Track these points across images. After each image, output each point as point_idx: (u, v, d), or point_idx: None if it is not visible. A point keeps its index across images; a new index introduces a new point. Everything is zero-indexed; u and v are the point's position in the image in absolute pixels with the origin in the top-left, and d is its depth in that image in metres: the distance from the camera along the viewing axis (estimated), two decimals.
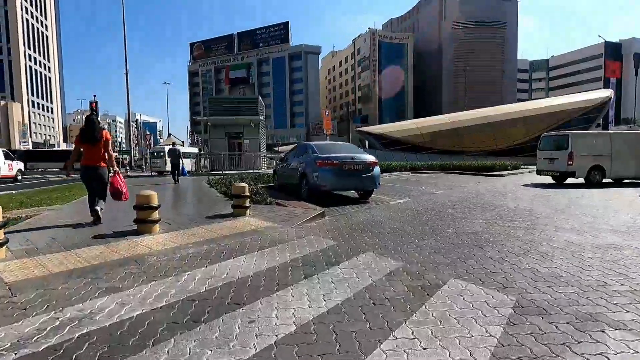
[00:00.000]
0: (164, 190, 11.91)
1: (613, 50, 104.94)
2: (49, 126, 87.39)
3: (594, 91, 38.69)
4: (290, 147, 16.32)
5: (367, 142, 35.92)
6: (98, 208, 5.33)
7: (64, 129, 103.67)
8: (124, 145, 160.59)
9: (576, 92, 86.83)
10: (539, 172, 13.72)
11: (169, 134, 39.12)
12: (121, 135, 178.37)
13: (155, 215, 4.82)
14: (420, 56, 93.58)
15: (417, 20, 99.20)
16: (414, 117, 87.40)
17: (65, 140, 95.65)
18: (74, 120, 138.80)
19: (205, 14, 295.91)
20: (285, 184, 9.65)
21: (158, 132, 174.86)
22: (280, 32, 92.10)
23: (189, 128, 78.83)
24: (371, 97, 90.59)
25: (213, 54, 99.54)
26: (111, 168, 5.53)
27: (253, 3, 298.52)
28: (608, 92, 33.24)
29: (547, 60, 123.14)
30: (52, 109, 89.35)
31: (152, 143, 34.28)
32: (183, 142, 35.23)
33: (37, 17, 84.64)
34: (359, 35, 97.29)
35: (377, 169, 7.84)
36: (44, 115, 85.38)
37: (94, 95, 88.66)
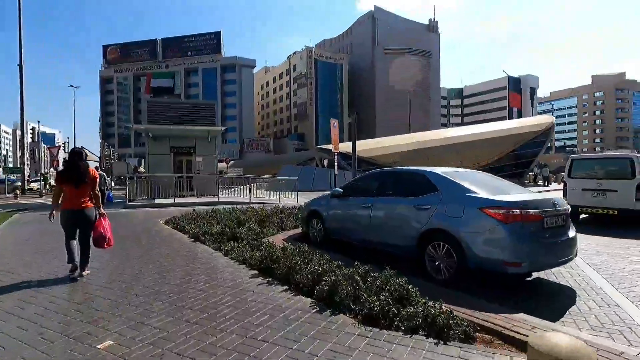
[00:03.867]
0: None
1: (514, 84, 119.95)
2: None
3: (537, 117, 41.05)
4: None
5: (326, 162, 32.50)
6: (85, 273, 4.53)
7: None
8: (10, 162, 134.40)
9: (487, 119, 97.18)
10: (576, 210, 9.00)
11: (81, 147, 30.82)
12: (6, 147, 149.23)
13: None
14: (354, 77, 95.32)
15: (351, 42, 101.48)
16: (349, 137, 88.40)
17: None
18: None
19: (121, 17, 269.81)
20: (358, 240, 5.39)
21: (58, 145, 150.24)
22: (212, 41, 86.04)
23: (101, 141, 67.19)
24: (307, 114, 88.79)
25: (132, 60, 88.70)
26: (97, 210, 4.71)
27: (180, 13, 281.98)
28: (551, 118, 34.98)
29: (461, 89, 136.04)
30: None
31: (59, 160, 26.09)
32: (100, 158, 27.64)
33: None
34: (295, 53, 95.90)
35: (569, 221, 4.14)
36: None
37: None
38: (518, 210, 3.64)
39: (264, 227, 7.51)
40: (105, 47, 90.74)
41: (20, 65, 22.24)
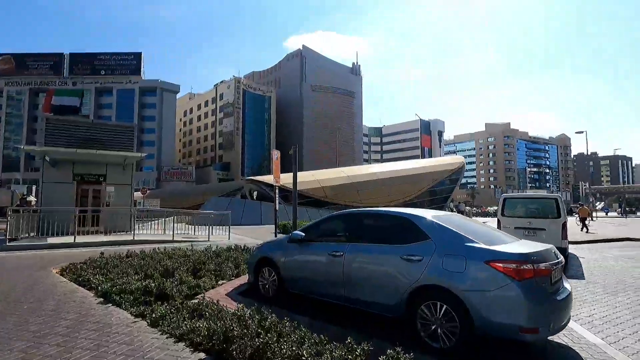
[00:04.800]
0: None
1: (425, 127, 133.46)
2: None
3: (449, 156, 45.25)
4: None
5: (255, 194, 31.10)
6: None
7: None
8: None
9: (403, 157, 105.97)
10: None
11: None
12: None
13: None
14: (282, 110, 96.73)
15: (279, 77, 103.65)
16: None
17: None
18: None
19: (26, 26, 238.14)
20: (326, 295, 4.46)
21: None
22: (131, 62, 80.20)
23: None
24: (234, 144, 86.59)
25: (30, 73, 77.87)
26: None
27: (100, 32, 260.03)
28: (462, 159, 38.84)
29: (380, 128, 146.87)
30: None
31: None
32: None
33: None
34: (222, 81, 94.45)
35: None
36: None
37: None
38: (530, 265, 3.16)
39: (199, 276, 6.14)
40: None
41: None
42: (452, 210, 38.22)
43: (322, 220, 5.14)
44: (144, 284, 5.25)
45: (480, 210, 51.25)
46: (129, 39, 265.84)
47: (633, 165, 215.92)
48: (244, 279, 6.26)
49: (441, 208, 34.44)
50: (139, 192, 24.70)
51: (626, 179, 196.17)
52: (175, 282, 5.41)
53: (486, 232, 3.98)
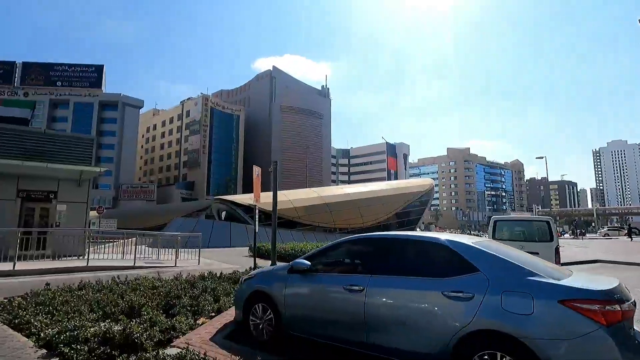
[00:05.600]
0: None
1: (391, 150, 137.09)
2: None
3: (417, 179, 45.95)
4: None
5: (223, 214, 29.58)
6: None
7: None
8: None
9: (370, 179, 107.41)
10: None
11: None
12: None
13: None
14: (251, 129, 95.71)
15: (249, 96, 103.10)
16: (244, 188, 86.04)
17: None
18: None
19: None
20: (343, 340, 3.60)
21: None
22: (91, 74, 76.44)
23: None
24: (200, 163, 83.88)
25: None
26: None
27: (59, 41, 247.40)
28: (431, 181, 39.57)
29: (348, 150, 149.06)
30: None
31: None
32: None
33: None
34: (189, 98, 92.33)
35: None
36: None
37: None
38: (617, 305, 2.57)
39: (172, 314, 5.08)
40: None
41: None
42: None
43: (331, 246, 4.31)
44: (102, 327, 4.15)
45: (449, 232, 51.27)
46: (91, 54, 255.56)
47: (578, 190, 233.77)
48: (228, 315, 5.27)
49: (412, 229, 34.51)
50: (95, 212, 22.52)
51: (573, 203, 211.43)
52: (145, 324, 4.34)
53: (536, 261, 3.38)
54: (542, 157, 36.48)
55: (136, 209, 62.93)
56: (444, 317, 3.01)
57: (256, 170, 10.97)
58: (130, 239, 14.20)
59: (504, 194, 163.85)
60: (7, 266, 9.96)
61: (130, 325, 4.14)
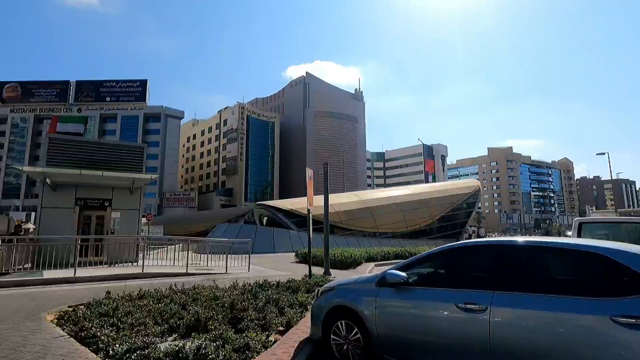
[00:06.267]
0: None
1: (428, 151, 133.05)
2: None
3: (465, 180, 43.92)
4: None
5: (265, 219, 29.61)
6: None
7: None
8: None
9: (406, 182, 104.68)
10: None
11: None
12: None
13: None
14: (286, 136, 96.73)
15: (283, 103, 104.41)
16: (280, 194, 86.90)
17: None
18: None
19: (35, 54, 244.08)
20: None
21: None
22: (136, 89, 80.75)
23: None
24: (237, 170, 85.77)
25: (36, 100, 78.29)
26: None
27: (105, 58, 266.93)
28: (477, 182, 37.54)
29: (383, 153, 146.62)
30: None
31: None
32: None
33: None
34: (226, 108, 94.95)
35: None
36: None
37: None
38: None
39: (241, 329, 4.64)
40: (2, 84, 79.01)
41: None
42: (469, 236, 36.52)
43: (433, 255, 3.64)
44: (173, 345, 3.75)
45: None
46: (133, 68, 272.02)
47: (637, 188, 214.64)
48: (299, 331, 4.75)
49: (459, 234, 32.81)
50: (144, 218, 23.22)
51: (631, 203, 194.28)
52: (216, 342, 3.90)
53: None
54: (603, 154, 33.42)
55: (179, 215, 65.29)
56: (614, 351, 2.26)
57: (309, 173, 10.52)
58: (175, 245, 14.32)
59: (552, 194, 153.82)
60: (69, 273, 10.16)
61: (204, 343, 3.71)
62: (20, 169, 15.51)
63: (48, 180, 12.59)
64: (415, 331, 3.30)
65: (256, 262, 15.30)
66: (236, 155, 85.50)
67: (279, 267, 14.24)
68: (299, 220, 26.55)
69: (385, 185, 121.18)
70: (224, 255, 13.33)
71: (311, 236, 11.47)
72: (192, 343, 3.78)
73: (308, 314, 5.61)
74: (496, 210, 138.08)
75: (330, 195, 31.80)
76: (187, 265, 11.72)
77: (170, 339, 4.50)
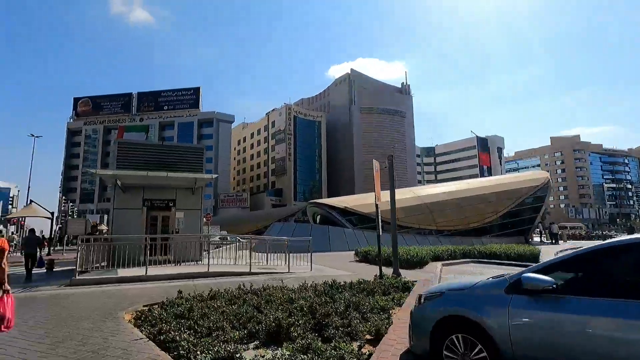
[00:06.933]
0: None
1: (482, 144, 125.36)
2: None
3: (531, 172, 40.59)
4: None
5: (318, 218, 29.31)
6: None
7: None
8: None
9: (459, 177, 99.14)
10: None
11: (30, 201, 25.85)
12: None
13: None
14: (332, 134, 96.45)
15: (328, 102, 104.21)
16: (329, 192, 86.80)
17: None
18: None
19: (97, 70, 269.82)
20: None
21: (10, 199, 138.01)
22: (190, 96, 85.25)
23: (61, 196, 60.78)
24: (286, 170, 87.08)
25: (104, 113, 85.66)
26: (1, 286, 3.73)
27: (155, 70, 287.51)
28: (545, 173, 34.31)
29: (433, 147, 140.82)
30: None
31: None
32: (53, 213, 23.05)
33: None
34: (273, 109, 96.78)
35: None
36: None
37: None
38: None
39: (326, 337, 4.11)
40: (76, 100, 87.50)
41: None
42: (541, 232, 33.49)
43: (587, 255, 2.81)
44: (259, 356, 3.29)
45: (579, 233, 40.93)
46: (186, 77, 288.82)
47: None
48: (392, 341, 4.12)
49: (528, 230, 30.12)
50: (204, 218, 24.03)
51: None
52: (308, 354, 3.40)
53: None
54: None
55: (232, 216, 67.65)
56: None
57: (376, 166, 9.85)
58: (231, 245, 14.43)
59: (629, 186, 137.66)
60: (140, 271, 10.46)
61: (296, 355, 3.20)
62: (95, 172, 16.57)
63: (119, 182, 13.22)
64: (572, 352, 2.52)
65: (315, 260, 14.93)
66: (284, 155, 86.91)
67: (339, 266, 13.72)
68: (353, 218, 25.94)
69: (437, 181, 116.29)
70: (283, 254, 13.12)
71: (380, 233, 10.75)
72: (280, 354, 3.30)
73: (395, 320, 4.97)
74: (562, 205, 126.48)
75: (382, 192, 30.72)
76: (250, 265, 11.60)
77: (251, 346, 4.10)
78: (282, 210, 67.43)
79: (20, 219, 37.28)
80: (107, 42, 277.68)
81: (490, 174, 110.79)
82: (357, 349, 3.81)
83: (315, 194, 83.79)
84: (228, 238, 19.68)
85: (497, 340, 2.86)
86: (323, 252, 20.74)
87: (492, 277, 3.35)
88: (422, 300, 3.63)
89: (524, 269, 3.11)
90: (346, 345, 3.84)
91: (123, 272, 10.59)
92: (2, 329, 3.62)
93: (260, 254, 14.25)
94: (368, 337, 4.42)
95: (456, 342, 3.16)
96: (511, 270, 3.51)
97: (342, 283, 7.55)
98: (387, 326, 4.60)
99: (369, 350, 3.91)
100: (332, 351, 3.55)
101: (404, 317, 5.21)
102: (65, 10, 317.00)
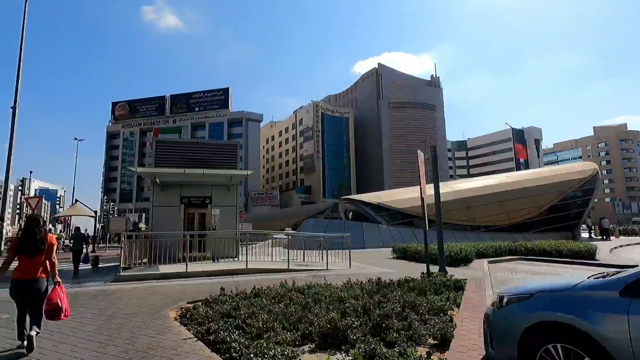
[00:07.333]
0: None
1: (518, 136, 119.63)
2: None
3: (578, 163, 38.26)
4: None
5: (350, 214, 28.87)
6: (33, 333, 4.08)
7: None
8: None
9: (494, 170, 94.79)
10: None
11: (75, 200, 27.15)
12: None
13: None
14: (360, 130, 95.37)
15: (355, 98, 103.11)
16: (358, 189, 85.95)
17: None
18: None
19: (131, 74, 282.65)
20: None
21: (57, 199, 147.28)
22: (220, 97, 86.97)
23: (103, 196, 64.00)
24: (315, 167, 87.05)
25: (139, 116, 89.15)
26: (52, 279, 4.31)
27: (186, 73, 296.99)
28: (593, 165, 32.01)
29: (465, 141, 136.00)
30: None
31: (47, 212, 22.55)
32: (96, 212, 24.10)
33: None
34: (301, 107, 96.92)
35: None
36: None
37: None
38: None
39: (389, 341, 3.73)
40: (114, 104, 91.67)
41: (14, 108, 19.58)
42: (590, 228, 31.37)
43: None
44: None
45: (631, 228, 37.08)
46: (215, 78, 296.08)
47: None
48: (462, 347, 3.69)
49: (575, 226, 28.23)
50: (238, 215, 24.28)
51: None
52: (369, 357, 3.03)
53: None
54: None
55: (263, 213, 68.41)
56: None
57: (421, 156, 9.33)
58: (264, 242, 14.36)
59: None
60: (181, 267, 10.53)
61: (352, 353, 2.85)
62: (135, 169, 17.03)
63: (157, 180, 13.43)
64: None
65: (360, 258, 14.55)
66: (312, 153, 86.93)
67: (378, 263, 13.26)
68: (386, 214, 25.31)
69: (469, 176, 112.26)
70: (319, 251, 12.85)
71: (427, 228, 10.23)
72: (347, 356, 2.96)
73: (458, 323, 4.51)
74: (607, 199, 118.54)
75: (416, 187, 29.82)
76: (288, 261, 11.41)
77: (306, 349, 3.79)
78: (312, 207, 67.44)
79: (67, 218, 39.44)
80: (140, 48, 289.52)
81: (527, 167, 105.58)
82: (425, 355, 3.40)
83: (344, 191, 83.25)
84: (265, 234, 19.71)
85: (612, 352, 2.37)
86: (357, 249, 20.31)
87: (593, 277, 2.84)
88: (505, 303, 3.16)
89: (635, 268, 2.59)
90: (413, 351, 3.44)
91: (164, 269, 10.69)
92: (62, 317, 4.21)
93: (295, 250, 14.04)
94: (432, 341, 4.00)
95: (553, 353, 2.68)
96: (579, 270, 2.98)
97: (388, 281, 7.14)
98: (452, 330, 4.15)
99: (438, 358, 3.50)
100: (399, 357, 3.17)
101: (467, 319, 4.74)
102: (103, 24, 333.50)
